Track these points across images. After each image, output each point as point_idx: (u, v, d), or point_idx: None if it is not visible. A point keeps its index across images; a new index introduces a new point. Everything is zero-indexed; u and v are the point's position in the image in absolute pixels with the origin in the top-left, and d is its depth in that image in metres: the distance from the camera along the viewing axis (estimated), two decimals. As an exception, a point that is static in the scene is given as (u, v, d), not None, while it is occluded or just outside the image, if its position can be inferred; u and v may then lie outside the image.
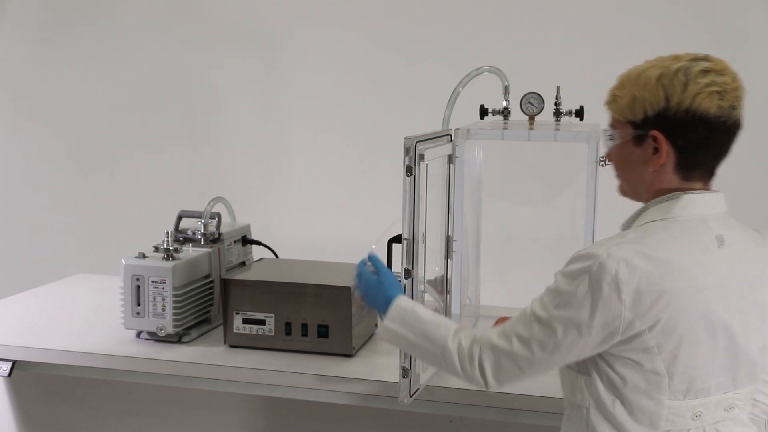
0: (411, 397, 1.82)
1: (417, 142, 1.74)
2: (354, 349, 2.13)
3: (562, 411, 1.84)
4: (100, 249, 4.18)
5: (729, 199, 1.54)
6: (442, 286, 2.52)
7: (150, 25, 4.19)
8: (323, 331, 2.12)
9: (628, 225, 1.50)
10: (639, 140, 1.47)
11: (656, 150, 1.44)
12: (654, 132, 1.44)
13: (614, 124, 1.53)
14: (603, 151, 1.55)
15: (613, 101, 1.54)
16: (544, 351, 1.40)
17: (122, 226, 4.22)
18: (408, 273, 1.76)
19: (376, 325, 2.33)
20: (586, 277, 1.36)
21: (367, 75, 3.96)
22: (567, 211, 1.98)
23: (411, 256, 1.75)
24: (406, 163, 1.73)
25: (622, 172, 1.53)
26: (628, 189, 1.53)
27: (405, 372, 1.79)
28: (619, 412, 1.41)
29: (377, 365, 2.08)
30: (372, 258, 1.75)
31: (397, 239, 1.78)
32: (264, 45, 4.07)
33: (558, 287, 1.40)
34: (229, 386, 2.09)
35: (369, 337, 2.27)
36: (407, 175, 1.73)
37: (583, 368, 1.45)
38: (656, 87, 1.46)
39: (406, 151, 1.73)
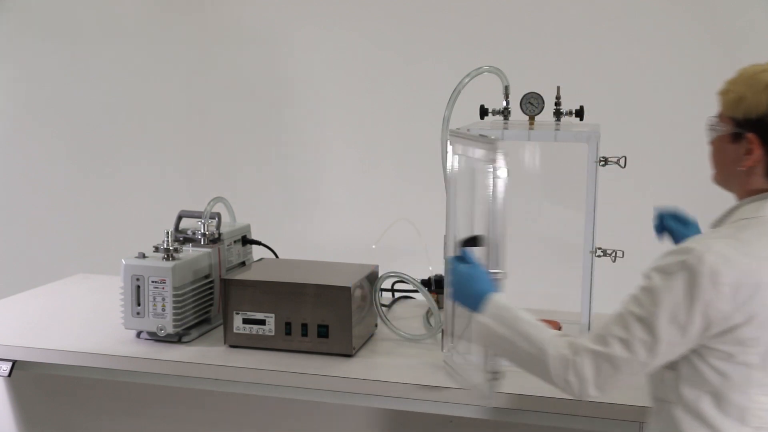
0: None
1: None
2: (354, 349, 2.13)
3: (561, 411, 1.85)
4: (100, 249, 4.18)
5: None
6: (436, 286, 2.52)
7: (150, 25, 4.19)
8: (323, 331, 2.12)
9: (719, 223, 1.53)
10: (736, 138, 1.50)
11: (749, 151, 1.47)
12: (750, 134, 1.47)
13: (720, 116, 1.56)
14: (706, 137, 1.57)
15: (724, 93, 1.57)
16: (645, 350, 1.41)
17: (122, 226, 4.22)
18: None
19: (376, 325, 2.33)
20: (684, 272, 1.38)
21: (367, 75, 3.96)
22: (567, 211, 1.98)
23: (496, 257, 1.71)
24: (498, 165, 1.68)
25: (716, 162, 1.57)
26: (720, 179, 1.57)
27: (495, 375, 1.74)
28: (708, 406, 1.43)
29: (377, 365, 2.08)
30: (465, 253, 1.72)
31: (472, 242, 1.73)
32: (264, 45, 4.07)
33: (654, 284, 1.41)
34: (229, 386, 2.09)
35: (369, 337, 2.28)
36: (497, 177, 1.68)
37: (671, 363, 1.46)
38: (764, 92, 1.48)
39: (494, 150, 1.68)
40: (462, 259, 1.71)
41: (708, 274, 1.36)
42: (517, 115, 2.09)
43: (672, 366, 1.46)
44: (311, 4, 4.00)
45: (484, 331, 1.58)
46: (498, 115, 2.10)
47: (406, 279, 2.29)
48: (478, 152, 1.77)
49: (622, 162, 1.95)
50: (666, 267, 1.41)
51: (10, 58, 4.38)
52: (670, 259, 1.41)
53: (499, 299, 1.60)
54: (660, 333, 1.39)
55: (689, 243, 1.42)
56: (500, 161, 1.68)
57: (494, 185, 1.68)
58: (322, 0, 3.98)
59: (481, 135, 1.79)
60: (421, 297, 2.38)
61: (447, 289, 1.69)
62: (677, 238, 1.83)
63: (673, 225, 1.85)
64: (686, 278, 1.38)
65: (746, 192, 1.50)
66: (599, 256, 1.94)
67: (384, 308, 2.39)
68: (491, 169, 1.68)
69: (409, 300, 2.64)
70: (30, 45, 4.33)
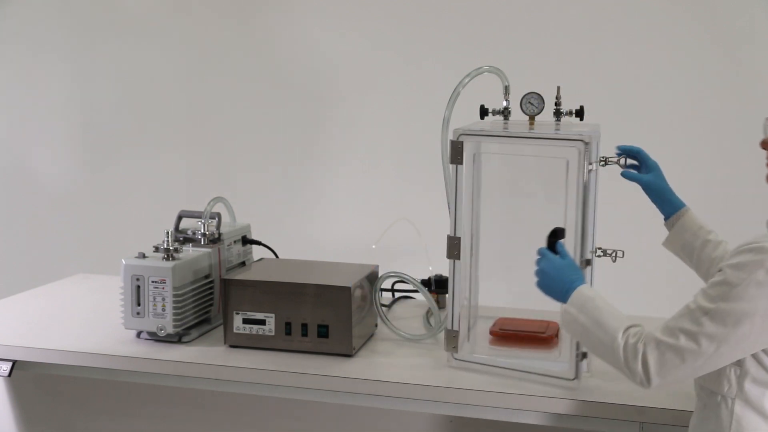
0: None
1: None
2: (354, 349, 2.13)
3: (561, 411, 1.85)
4: (100, 249, 4.18)
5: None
6: (435, 286, 2.52)
7: (150, 25, 4.19)
8: (323, 331, 2.12)
9: None
10: None
11: None
12: None
13: None
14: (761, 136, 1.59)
15: None
16: (712, 344, 1.43)
17: (122, 226, 4.22)
18: (588, 263, 1.87)
19: (376, 325, 2.33)
20: (760, 269, 1.39)
21: (367, 75, 3.96)
22: (567, 212, 1.98)
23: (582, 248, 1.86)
24: (599, 158, 1.86)
25: None
26: None
27: (584, 355, 1.90)
28: None
29: (377, 365, 2.08)
30: (559, 245, 1.78)
31: (555, 235, 1.81)
32: (264, 45, 4.07)
33: (728, 279, 1.42)
34: (229, 386, 2.09)
35: (369, 337, 2.27)
36: (590, 172, 1.83)
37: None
38: None
39: (587, 148, 1.81)
40: (551, 250, 1.78)
41: None
42: (517, 115, 2.09)
43: (738, 362, 1.48)
44: (311, 4, 3.99)
45: (568, 319, 1.68)
46: (498, 115, 2.10)
47: (406, 279, 2.29)
48: (551, 150, 1.91)
49: (622, 161, 1.94)
50: (741, 264, 1.42)
51: (9, 58, 4.38)
52: (746, 257, 1.42)
53: (586, 290, 1.68)
54: (729, 328, 1.42)
55: (764, 241, 1.42)
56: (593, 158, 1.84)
57: (588, 179, 1.84)
58: (321, 0, 3.98)
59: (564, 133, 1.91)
60: (421, 297, 2.38)
61: (536, 279, 1.78)
62: (645, 188, 1.90)
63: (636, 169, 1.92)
64: (763, 275, 1.39)
65: None
66: (599, 256, 1.93)
67: (384, 308, 2.39)
68: (590, 166, 1.83)
69: (409, 300, 2.64)
70: (30, 45, 4.33)
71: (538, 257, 1.78)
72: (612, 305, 1.64)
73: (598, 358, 1.65)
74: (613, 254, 1.94)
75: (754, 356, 1.47)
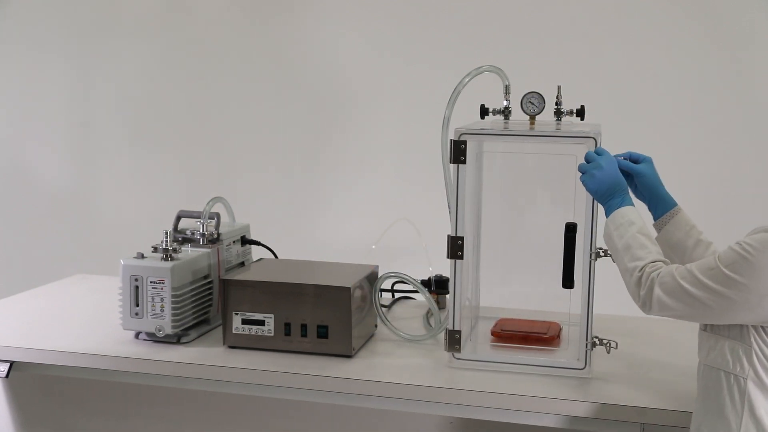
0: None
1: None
2: (354, 349, 2.12)
3: (560, 412, 1.85)
4: (98, 249, 4.17)
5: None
6: (435, 286, 2.51)
7: (150, 25, 4.18)
8: (323, 332, 2.11)
9: None
10: None
11: None
12: None
13: None
14: None
15: None
16: (714, 298, 1.51)
17: (121, 226, 4.22)
18: (599, 255, 1.93)
19: (375, 326, 2.32)
20: None
21: (367, 75, 3.96)
22: (567, 212, 1.98)
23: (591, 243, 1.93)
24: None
25: None
26: None
27: (593, 345, 1.95)
28: None
29: (377, 366, 2.07)
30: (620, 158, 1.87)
31: (572, 229, 1.90)
32: (263, 45, 4.07)
33: (743, 252, 1.49)
34: (229, 387, 2.08)
35: (369, 338, 2.27)
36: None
37: (745, 337, 1.53)
38: None
39: (596, 144, 1.88)
40: (570, 247, 1.89)
41: None
42: (517, 114, 2.08)
43: (749, 342, 1.53)
44: (311, 4, 3.99)
45: (606, 232, 1.78)
46: (498, 115, 2.09)
47: (406, 279, 2.29)
48: (559, 147, 1.98)
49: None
50: (761, 242, 1.47)
51: (9, 58, 4.38)
52: (763, 236, 1.48)
53: (628, 212, 1.76)
54: (733, 292, 1.48)
55: None
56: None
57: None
58: (321, 0, 3.97)
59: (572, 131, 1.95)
60: (421, 297, 2.37)
61: (582, 175, 1.85)
62: (637, 178, 1.91)
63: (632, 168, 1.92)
64: None
65: None
66: (601, 256, 1.93)
67: (384, 309, 2.38)
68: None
69: (409, 300, 2.64)
70: (30, 45, 4.32)
71: (587, 161, 1.84)
72: (647, 234, 1.73)
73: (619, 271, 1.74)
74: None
75: (765, 337, 1.51)
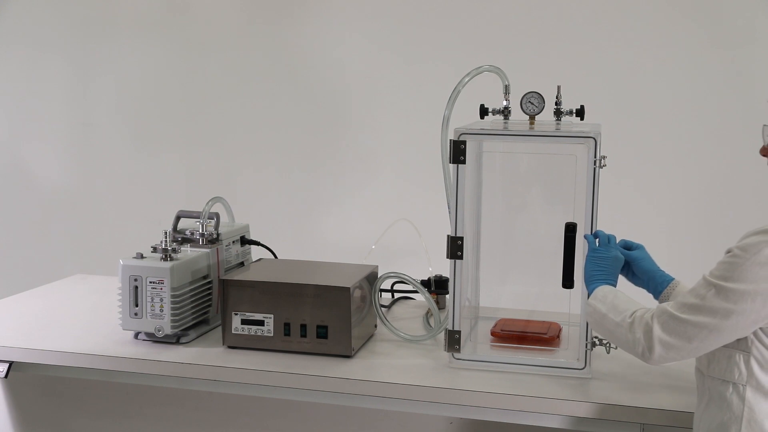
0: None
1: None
2: (353, 350, 2.12)
3: (560, 412, 1.84)
4: (98, 249, 4.17)
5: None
6: (435, 286, 2.51)
7: (149, 25, 4.18)
8: (322, 332, 2.11)
9: None
10: None
11: None
12: None
13: None
14: (761, 143, 1.62)
15: None
16: (714, 318, 1.48)
17: (121, 226, 4.21)
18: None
19: (375, 326, 2.32)
20: (764, 249, 1.44)
21: (367, 75, 3.96)
22: (567, 212, 1.97)
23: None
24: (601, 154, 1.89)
25: None
26: None
27: (593, 345, 1.95)
28: None
29: (376, 366, 2.07)
30: (590, 237, 1.89)
31: (572, 229, 1.91)
32: (263, 45, 4.06)
33: (734, 259, 1.47)
34: (228, 387, 2.08)
35: (368, 338, 2.26)
36: (601, 167, 1.89)
37: (742, 344, 1.52)
38: None
39: (597, 144, 1.88)
40: (570, 245, 1.88)
41: None
42: (517, 114, 2.08)
43: (743, 347, 1.52)
44: (310, 4, 3.99)
45: (590, 308, 1.77)
46: (498, 115, 2.09)
47: (406, 279, 2.28)
48: (559, 147, 1.98)
49: (603, 162, 1.92)
50: (746, 245, 1.46)
51: (9, 58, 4.37)
52: (752, 239, 1.46)
53: (608, 289, 1.77)
54: (731, 305, 1.46)
55: None
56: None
57: (596, 176, 1.88)
58: (320, 0, 3.97)
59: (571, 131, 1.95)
60: (421, 297, 2.37)
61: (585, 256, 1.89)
62: (634, 263, 1.91)
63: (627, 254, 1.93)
64: (764, 257, 1.43)
65: None
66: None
67: (384, 309, 2.38)
68: (602, 162, 1.88)
69: (408, 301, 2.63)
70: (30, 45, 4.32)
71: (597, 239, 1.89)
72: (632, 299, 1.72)
73: (613, 342, 1.71)
74: None
75: (763, 341, 1.50)
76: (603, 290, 1.76)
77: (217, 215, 2.41)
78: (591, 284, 1.81)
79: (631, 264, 1.90)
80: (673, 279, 1.88)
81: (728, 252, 1.51)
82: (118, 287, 2.18)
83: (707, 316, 1.49)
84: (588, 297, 1.79)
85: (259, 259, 2.49)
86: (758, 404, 1.51)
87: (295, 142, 4.07)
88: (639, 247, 1.94)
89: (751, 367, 1.52)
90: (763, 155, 1.60)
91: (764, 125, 1.59)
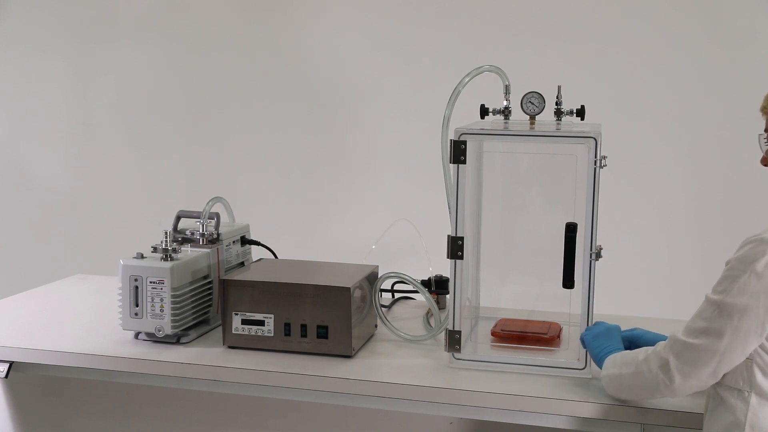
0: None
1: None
2: (354, 350, 2.12)
3: (560, 413, 1.84)
4: (98, 249, 4.17)
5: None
6: (435, 286, 2.51)
7: (150, 25, 4.18)
8: (323, 332, 2.11)
9: None
10: None
11: None
12: None
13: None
14: (760, 152, 1.63)
15: (765, 110, 1.61)
16: (723, 338, 1.48)
17: (121, 226, 4.21)
18: (599, 255, 1.94)
19: (375, 326, 2.32)
20: (760, 260, 1.44)
21: (367, 75, 3.96)
22: (567, 212, 1.98)
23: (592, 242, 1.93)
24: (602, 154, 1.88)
25: None
26: None
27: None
28: None
29: (377, 366, 2.07)
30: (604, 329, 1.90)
31: (572, 229, 1.91)
32: (263, 45, 4.06)
33: (731, 272, 1.48)
34: (228, 387, 2.08)
35: (368, 338, 2.26)
36: (601, 167, 1.89)
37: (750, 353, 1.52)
38: None
39: (597, 144, 1.87)
40: (571, 246, 1.89)
41: None
42: (517, 114, 2.08)
43: (750, 356, 1.52)
44: (310, 4, 3.99)
45: (605, 372, 1.79)
46: (498, 115, 2.09)
47: (406, 279, 2.28)
48: (561, 147, 1.98)
49: (603, 162, 1.93)
50: (742, 257, 1.46)
51: (9, 58, 4.37)
52: (747, 250, 1.46)
53: (615, 355, 1.78)
54: (736, 321, 1.46)
55: (764, 234, 1.46)
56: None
57: (596, 175, 1.87)
58: (321, 1, 3.97)
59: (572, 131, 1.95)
60: (421, 298, 2.37)
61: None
62: (639, 340, 1.93)
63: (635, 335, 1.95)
64: (761, 268, 1.43)
65: None
66: (601, 257, 1.93)
67: (384, 309, 2.38)
68: (603, 162, 1.88)
69: (409, 301, 2.63)
70: (30, 45, 4.32)
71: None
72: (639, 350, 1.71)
73: (639, 396, 1.73)
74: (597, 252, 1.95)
75: (765, 348, 1.50)
76: (610, 358, 1.78)
77: (218, 215, 2.41)
78: (600, 360, 1.82)
79: (637, 341, 1.91)
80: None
81: (727, 264, 1.51)
82: (119, 287, 2.18)
83: (717, 339, 1.50)
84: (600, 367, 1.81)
85: (260, 259, 2.49)
86: (762, 410, 1.52)
87: (296, 142, 4.07)
88: (635, 329, 1.97)
89: (753, 373, 1.52)
90: (765, 165, 1.60)
91: (759, 134, 1.60)
